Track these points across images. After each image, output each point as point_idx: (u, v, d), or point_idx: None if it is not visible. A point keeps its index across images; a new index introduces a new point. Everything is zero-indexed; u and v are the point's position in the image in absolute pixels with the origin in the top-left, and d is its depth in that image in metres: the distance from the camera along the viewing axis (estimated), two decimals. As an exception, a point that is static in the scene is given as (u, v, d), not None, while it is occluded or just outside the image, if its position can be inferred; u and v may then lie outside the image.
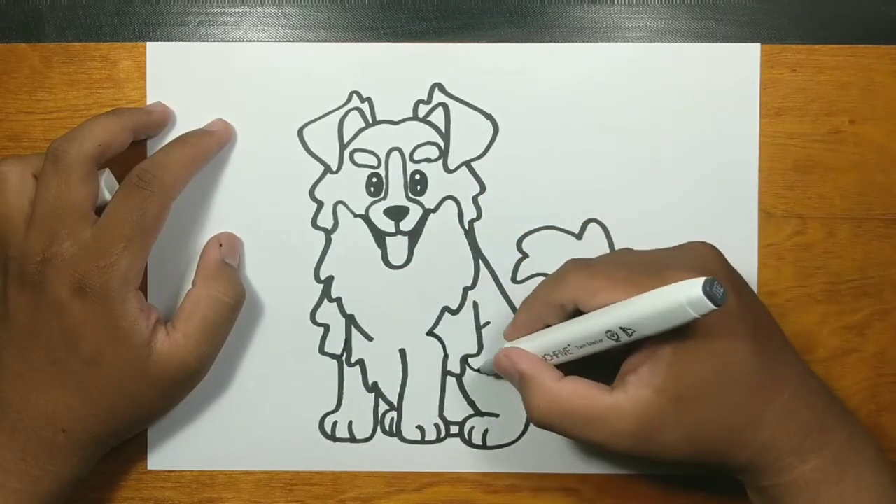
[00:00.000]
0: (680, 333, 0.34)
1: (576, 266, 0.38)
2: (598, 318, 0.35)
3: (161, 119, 0.42)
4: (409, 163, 0.43)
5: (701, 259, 0.37)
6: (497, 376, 0.43)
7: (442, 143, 0.43)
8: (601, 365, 0.37)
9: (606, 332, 0.35)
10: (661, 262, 0.36)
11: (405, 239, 0.43)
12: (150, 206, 0.38)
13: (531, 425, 0.43)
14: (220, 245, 0.42)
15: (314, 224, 0.43)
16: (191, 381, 0.40)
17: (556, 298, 0.37)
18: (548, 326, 0.38)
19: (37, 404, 0.38)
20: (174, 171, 0.39)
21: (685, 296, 0.32)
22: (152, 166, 0.38)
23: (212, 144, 0.42)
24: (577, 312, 0.37)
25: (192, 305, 0.40)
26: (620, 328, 0.34)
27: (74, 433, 0.38)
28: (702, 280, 0.31)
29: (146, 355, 0.38)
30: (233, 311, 0.41)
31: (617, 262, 0.38)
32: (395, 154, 0.43)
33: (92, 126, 0.39)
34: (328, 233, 0.43)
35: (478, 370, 0.43)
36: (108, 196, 0.39)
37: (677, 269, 0.34)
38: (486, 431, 0.43)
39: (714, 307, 0.31)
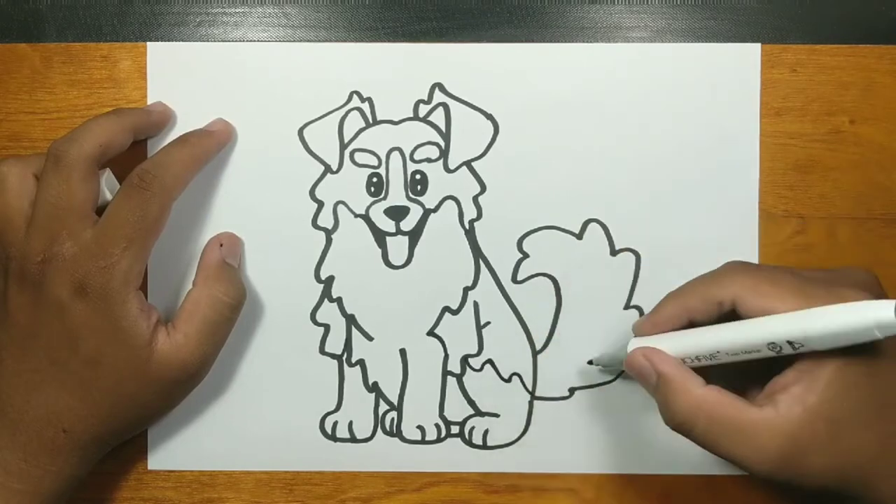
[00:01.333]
0: (841, 354, 0.33)
1: (739, 266, 0.37)
2: (764, 327, 0.34)
3: (161, 119, 0.42)
4: (409, 163, 0.43)
5: (869, 283, 0.37)
6: (610, 373, 0.43)
7: (442, 143, 0.43)
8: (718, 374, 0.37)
9: (769, 343, 0.33)
10: (830, 279, 0.35)
11: (405, 239, 0.43)
12: (151, 206, 0.38)
13: (531, 425, 0.43)
14: (221, 245, 0.42)
15: (314, 224, 0.43)
16: (191, 382, 0.40)
17: (715, 294, 0.36)
18: (691, 325, 0.37)
19: (38, 405, 0.38)
20: (175, 172, 0.39)
21: (874, 316, 0.31)
22: (153, 167, 0.38)
23: (212, 144, 0.42)
24: (731, 316, 0.36)
25: (192, 306, 0.40)
26: (788, 341, 0.33)
27: (75, 433, 0.38)
28: (893, 302, 0.31)
29: (147, 355, 0.38)
30: (233, 311, 0.41)
31: (783, 270, 0.36)
32: (396, 154, 0.43)
33: (92, 126, 0.39)
34: (328, 233, 0.43)
35: (590, 362, 0.42)
36: (108, 196, 0.39)
37: (853, 289, 0.34)
38: (486, 431, 0.43)
39: None
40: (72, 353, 0.37)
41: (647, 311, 0.43)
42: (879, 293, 0.36)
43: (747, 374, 0.37)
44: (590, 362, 0.43)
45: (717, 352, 0.35)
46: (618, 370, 0.43)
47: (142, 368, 0.38)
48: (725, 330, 0.35)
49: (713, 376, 0.36)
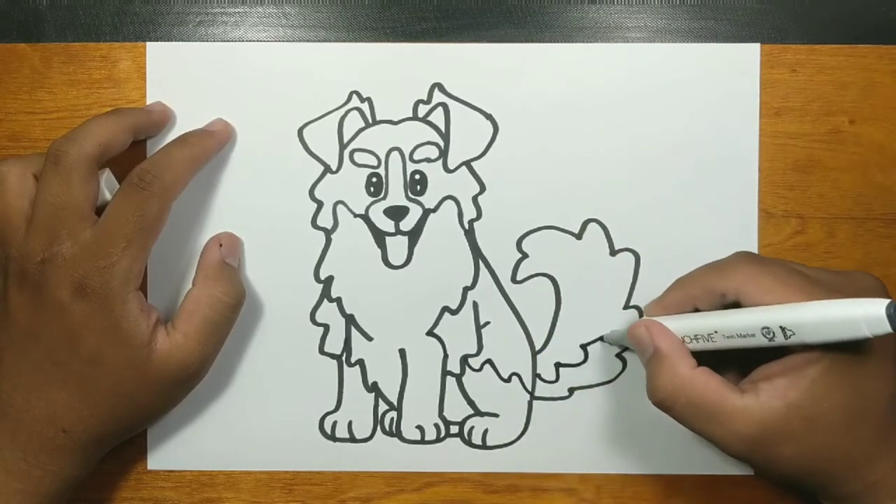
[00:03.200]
0: (830, 355, 0.34)
1: (747, 258, 0.38)
2: (760, 312, 0.35)
3: (161, 119, 0.42)
4: (408, 163, 0.43)
5: (876, 289, 0.37)
6: (623, 348, 0.43)
7: (442, 143, 0.43)
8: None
9: (763, 328, 0.34)
10: (837, 284, 0.36)
11: (405, 239, 0.43)
12: (151, 206, 0.38)
13: (531, 425, 0.43)
14: (221, 245, 0.42)
15: (314, 224, 0.43)
16: (191, 381, 0.40)
17: (720, 286, 0.37)
18: (696, 311, 0.38)
19: (38, 404, 0.38)
20: (174, 172, 0.39)
21: (865, 312, 0.32)
22: (152, 166, 0.38)
23: (212, 144, 0.42)
24: (733, 307, 0.37)
25: (192, 305, 0.40)
26: (781, 327, 0.34)
27: (75, 433, 0.38)
28: (886, 301, 0.32)
29: (146, 355, 0.38)
30: (233, 311, 0.41)
31: (790, 268, 0.37)
32: (395, 154, 0.43)
33: (92, 126, 0.39)
34: (328, 233, 0.43)
35: (600, 338, 0.43)
36: (108, 196, 0.39)
37: (852, 290, 0.35)
38: (486, 431, 0.43)
39: (890, 330, 0.32)
40: (72, 352, 0.37)
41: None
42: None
43: (746, 364, 0.38)
44: (601, 338, 0.43)
45: (715, 332, 0.36)
46: (624, 346, 0.43)
47: (141, 368, 0.38)
48: (724, 313, 0.36)
49: (712, 361, 0.37)
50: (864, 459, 0.35)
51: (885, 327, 0.32)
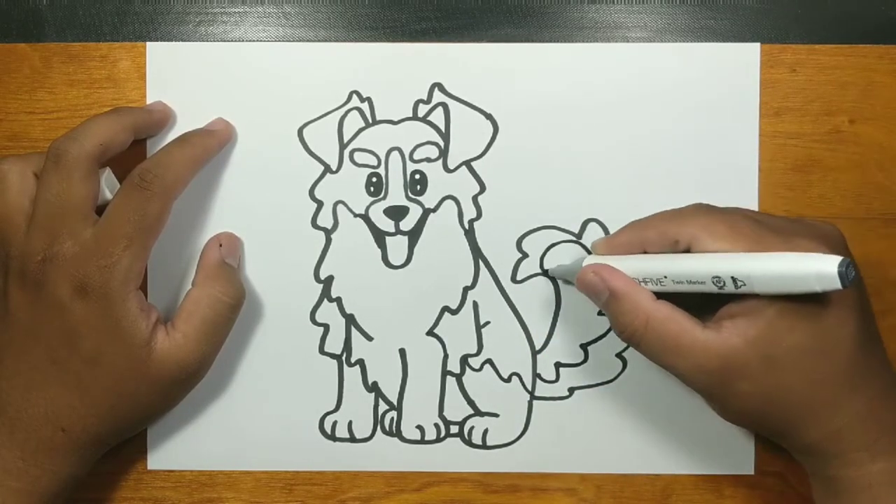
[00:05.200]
0: (788, 298, 0.34)
1: (705, 208, 0.38)
2: (712, 260, 0.35)
3: (161, 118, 0.42)
4: (408, 162, 0.43)
5: (831, 238, 0.37)
6: (566, 282, 0.43)
7: (442, 143, 0.43)
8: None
9: (714, 276, 0.35)
10: (791, 229, 0.36)
11: (405, 239, 0.43)
12: (151, 205, 0.38)
13: (531, 425, 0.43)
14: (220, 245, 0.42)
15: (314, 224, 0.43)
16: (190, 381, 0.40)
17: (674, 232, 0.37)
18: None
19: (37, 403, 0.38)
20: (175, 171, 0.39)
21: (816, 268, 0.32)
22: (153, 166, 0.38)
23: (213, 144, 0.42)
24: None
25: (192, 305, 0.40)
26: (732, 277, 0.34)
27: (74, 432, 0.38)
28: (839, 259, 0.32)
29: (146, 355, 0.38)
30: (233, 311, 0.41)
31: (744, 216, 0.37)
32: (395, 154, 0.43)
33: (92, 125, 0.39)
34: (328, 233, 0.43)
35: (545, 272, 0.43)
36: (108, 195, 0.39)
37: (808, 240, 0.35)
38: (486, 431, 0.43)
39: (840, 287, 0.32)
40: (71, 351, 0.37)
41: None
42: (841, 251, 0.36)
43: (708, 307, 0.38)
44: (546, 272, 0.43)
45: (665, 277, 0.36)
46: (568, 281, 0.43)
47: (141, 367, 0.38)
48: (675, 258, 0.37)
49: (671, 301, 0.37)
50: (824, 405, 0.36)
51: (836, 284, 0.32)
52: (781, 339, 0.35)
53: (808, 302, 0.35)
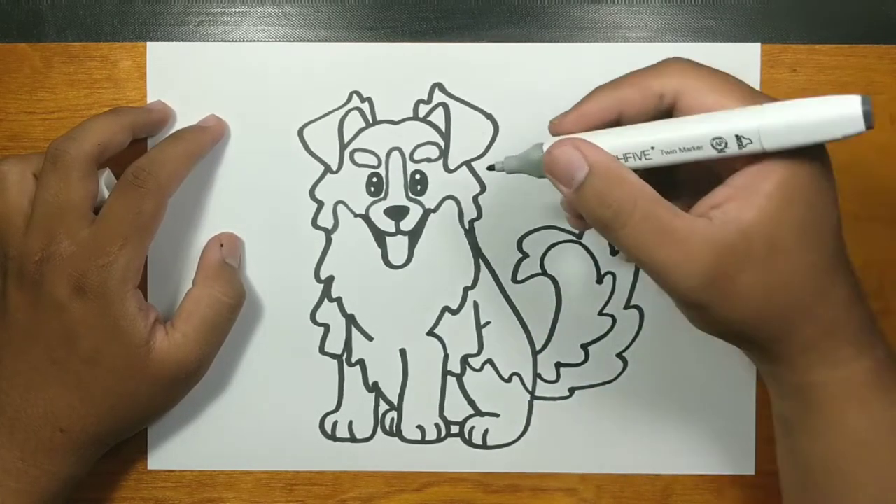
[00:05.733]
0: (782, 166, 0.30)
1: (685, 60, 0.33)
2: (711, 119, 0.30)
3: (161, 118, 0.42)
4: (409, 162, 0.43)
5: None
6: (524, 174, 0.36)
7: (442, 143, 0.43)
8: None
9: (715, 138, 0.30)
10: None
11: (405, 239, 0.43)
12: (147, 203, 0.38)
13: (531, 425, 0.43)
14: (221, 245, 0.42)
15: (314, 224, 0.43)
16: (190, 381, 0.40)
17: (656, 84, 0.32)
18: (619, 125, 0.33)
19: (36, 403, 0.38)
20: (169, 168, 0.39)
21: (838, 110, 0.29)
22: (147, 164, 0.38)
23: (206, 140, 0.42)
24: (667, 116, 0.32)
25: (192, 305, 0.40)
26: (737, 135, 0.30)
27: (73, 432, 0.38)
28: (859, 97, 0.29)
29: (145, 354, 0.38)
30: (233, 311, 0.41)
31: (730, 75, 0.32)
32: (396, 154, 0.43)
33: (91, 125, 0.39)
34: (328, 233, 0.43)
35: (490, 167, 0.37)
36: (108, 195, 0.39)
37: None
38: (486, 431, 0.43)
39: (863, 130, 0.29)
40: (70, 351, 0.37)
41: (647, 311, 0.43)
42: None
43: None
44: (490, 167, 0.37)
45: (651, 148, 0.31)
46: (533, 173, 0.35)
47: (140, 367, 0.38)
48: (663, 123, 0.31)
49: None
50: (820, 292, 0.31)
51: (859, 126, 0.29)
52: (783, 216, 0.30)
53: (803, 170, 0.30)
